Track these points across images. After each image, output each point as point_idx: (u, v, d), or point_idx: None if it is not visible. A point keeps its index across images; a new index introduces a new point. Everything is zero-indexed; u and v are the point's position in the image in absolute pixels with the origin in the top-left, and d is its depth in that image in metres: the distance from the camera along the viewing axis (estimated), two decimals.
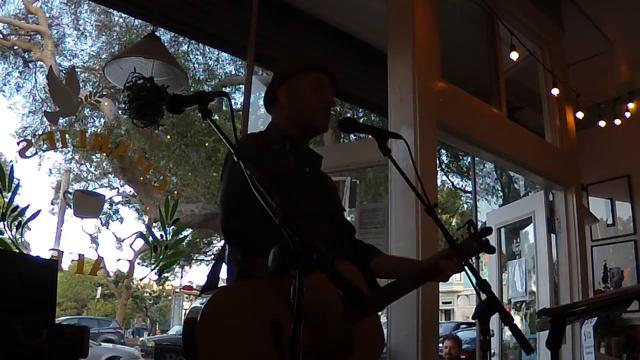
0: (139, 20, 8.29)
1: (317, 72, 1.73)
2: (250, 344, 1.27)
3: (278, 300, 1.30)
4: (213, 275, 1.56)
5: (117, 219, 14.14)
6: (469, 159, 8.11)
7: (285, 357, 1.26)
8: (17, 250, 2.80)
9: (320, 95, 1.70)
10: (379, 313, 1.67)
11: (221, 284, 1.57)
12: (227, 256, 1.59)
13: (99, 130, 9.43)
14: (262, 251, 1.37)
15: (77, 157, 11.42)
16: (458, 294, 26.85)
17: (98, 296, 25.08)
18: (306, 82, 1.71)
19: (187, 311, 1.37)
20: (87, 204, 3.65)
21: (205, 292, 1.45)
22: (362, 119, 8.86)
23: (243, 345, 1.26)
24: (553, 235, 4.00)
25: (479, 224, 5.62)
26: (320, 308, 1.32)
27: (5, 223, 2.76)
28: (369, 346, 1.52)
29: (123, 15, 9.16)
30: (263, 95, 1.81)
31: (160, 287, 25.00)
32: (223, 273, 1.61)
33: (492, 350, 4.16)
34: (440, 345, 4.53)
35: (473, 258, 1.75)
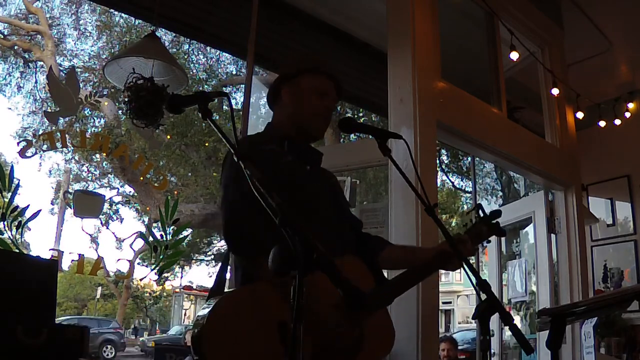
0: (140, 20, 8.28)
1: (323, 76, 1.71)
2: (259, 347, 1.26)
3: (282, 301, 1.30)
4: (220, 278, 1.55)
5: (117, 219, 14.20)
6: (469, 159, 8.10)
7: None
8: (17, 250, 2.80)
9: (322, 101, 1.69)
10: (388, 308, 1.66)
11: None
12: (232, 258, 1.59)
13: (99, 130, 9.43)
14: (266, 252, 1.38)
15: (77, 157, 11.42)
16: (458, 294, 26.84)
17: (98, 296, 25.09)
18: (311, 84, 1.70)
19: (194, 322, 1.37)
20: (87, 204, 3.65)
21: (212, 296, 1.44)
22: (362, 119, 8.86)
23: (252, 350, 1.25)
24: (553, 235, 4.00)
25: None
26: (321, 308, 1.32)
27: (5, 223, 2.76)
28: (378, 342, 1.51)
29: (124, 15, 9.18)
30: (264, 94, 1.80)
31: (160, 287, 25.00)
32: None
33: (492, 350, 4.15)
34: None
35: (473, 258, 1.75)
